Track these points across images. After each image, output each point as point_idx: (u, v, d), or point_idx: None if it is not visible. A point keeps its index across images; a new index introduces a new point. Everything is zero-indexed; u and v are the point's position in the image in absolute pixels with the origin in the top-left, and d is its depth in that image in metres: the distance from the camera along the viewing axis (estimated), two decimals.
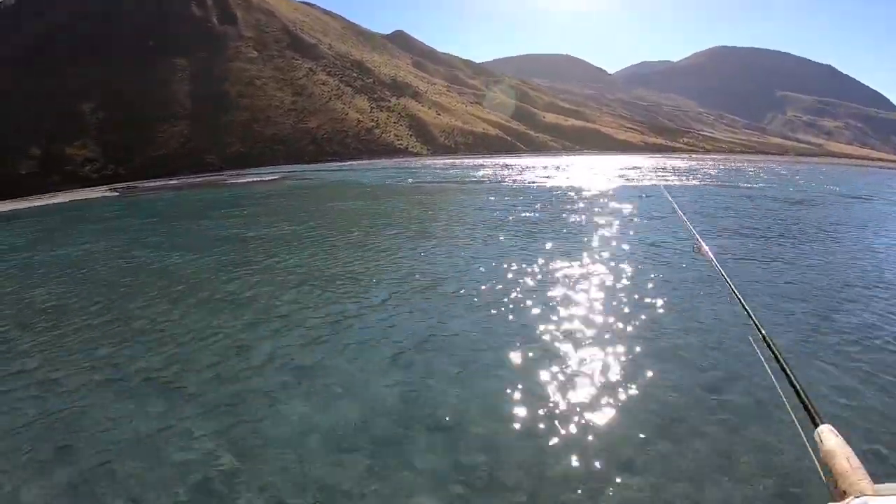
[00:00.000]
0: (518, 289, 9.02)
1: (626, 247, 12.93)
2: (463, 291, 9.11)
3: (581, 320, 7.72)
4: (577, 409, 5.36)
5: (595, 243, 13.37)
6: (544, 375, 6.05)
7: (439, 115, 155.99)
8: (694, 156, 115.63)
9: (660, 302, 8.51)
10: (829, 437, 0.97)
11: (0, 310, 9.77)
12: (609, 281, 9.77)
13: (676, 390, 5.67)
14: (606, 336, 7.09)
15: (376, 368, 6.24)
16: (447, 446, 4.67)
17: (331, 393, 5.71)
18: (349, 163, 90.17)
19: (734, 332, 6.94)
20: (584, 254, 11.98)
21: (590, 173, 43.26)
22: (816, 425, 1.04)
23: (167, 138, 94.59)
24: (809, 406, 1.10)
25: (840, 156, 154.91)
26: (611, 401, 5.49)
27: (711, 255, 2.29)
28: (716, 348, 6.69)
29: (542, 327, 7.42)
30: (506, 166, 57.92)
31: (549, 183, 32.32)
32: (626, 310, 8.16)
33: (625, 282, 9.83)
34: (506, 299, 8.48)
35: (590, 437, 4.90)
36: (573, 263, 11.01)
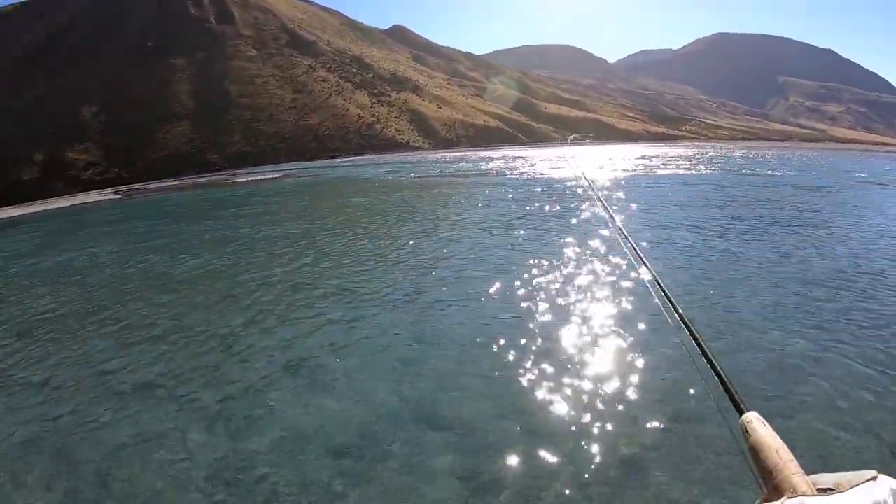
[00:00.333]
0: (530, 291, 8.73)
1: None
2: (469, 291, 8.91)
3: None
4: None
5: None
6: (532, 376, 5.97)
7: (440, 108, 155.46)
8: (696, 143, 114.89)
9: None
10: (756, 426, 0.93)
11: (3, 316, 9.70)
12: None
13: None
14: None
15: (378, 370, 6.22)
16: (449, 448, 4.64)
17: (333, 396, 5.68)
18: (351, 158, 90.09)
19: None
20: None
21: (591, 164, 42.74)
22: (741, 413, 0.99)
23: (169, 139, 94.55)
24: (734, 393, 1.05)
25: (844, 141, 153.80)
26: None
27: (633, 243, 2.17)
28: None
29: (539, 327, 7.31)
30: (515, 158, 57.50)
31: (558, 174, 31.90)
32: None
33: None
34: (519, 303, 8.23)
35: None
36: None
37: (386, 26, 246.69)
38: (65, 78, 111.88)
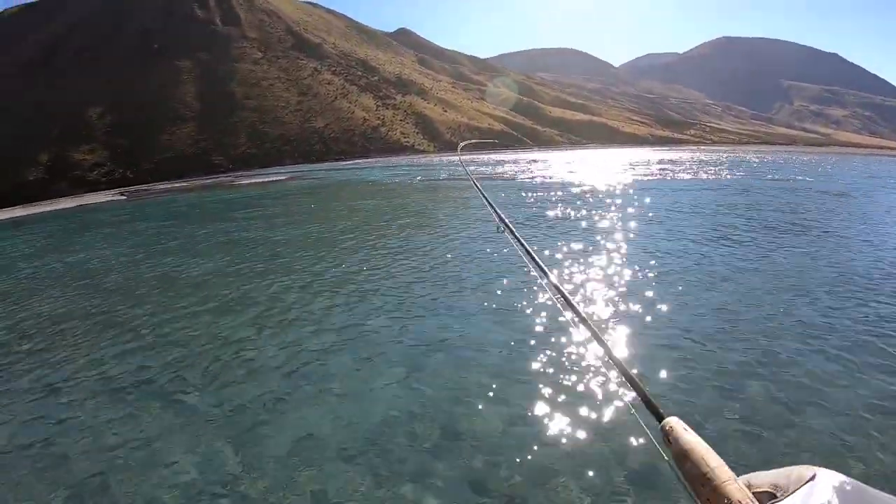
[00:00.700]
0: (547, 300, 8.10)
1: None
2: (480, 298, 8.58)
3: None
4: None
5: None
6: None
7: (445, 111, 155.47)
8: (702, 147, 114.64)
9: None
10: (679, 433, 0.87)
11: (10, 317, 9.52)
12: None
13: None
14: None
15: (388, 376, 6.07)
16: (459, 456, 4.52)
17: (341, 401, 5.58)
18: (356, 161, 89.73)
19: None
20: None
21: (595, 168, 42.33)
22: (661, 420, 0.93)
23: (174, 141, 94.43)
24: (651, 400, 0.99)
25: (849, 145, 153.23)
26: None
27: (520, 238, 2.20)
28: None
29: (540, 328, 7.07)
30: (531, 161, 57.18)
31: (572, 178, 31.47)
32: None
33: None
34: (535, 312, 7.75)
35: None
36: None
37: (391, 29, 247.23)
38: (70, 79, 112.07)
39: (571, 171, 37.90)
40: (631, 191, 23.30)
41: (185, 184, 59.68)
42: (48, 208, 40.42)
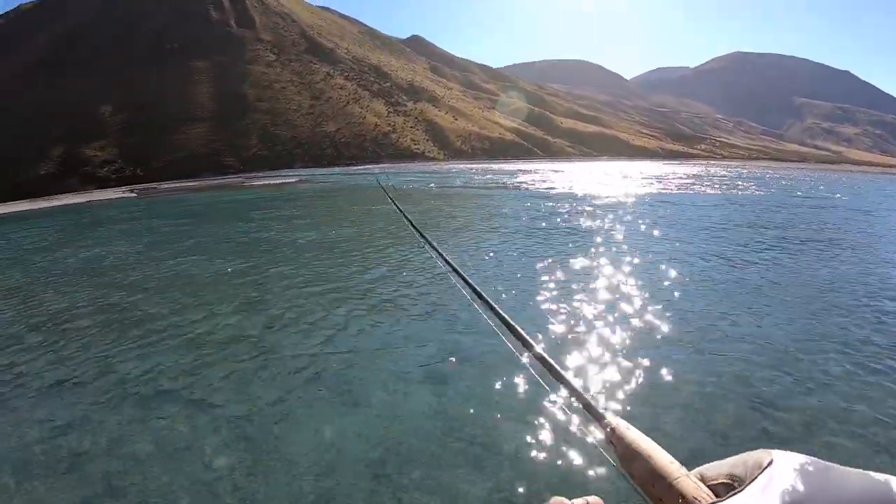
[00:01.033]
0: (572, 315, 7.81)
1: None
2: (511, 307, 8.02)
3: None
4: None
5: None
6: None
7: (456, 119, 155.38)
8: (712, 162, 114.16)
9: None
10: (623, 432, 0.83)
11: (23, 312, 9.25)
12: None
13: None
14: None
15: (411, 383, 5.90)
16: (483, 466, 4.39)
17: (363, 409, 5.39)
18: (367, 166, 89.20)
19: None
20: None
21: (623, 180, 41.71)
22: (605, 423, 0.89)
23: (186, 141, 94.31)
24: (593, 405, 0.95)
25: (860, 163, 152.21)
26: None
27: (443, 253, 2.24)
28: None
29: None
30: (548, 171, 56.71)
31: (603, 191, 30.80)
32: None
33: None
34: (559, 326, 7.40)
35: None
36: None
37: (404, 36, 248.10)
38: (84, 76, 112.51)
39: (601, 183, 37.22)
40: (649, 202, 22.59)
41: (195, 183, 59.35)
42: (57, 203, 40.00)
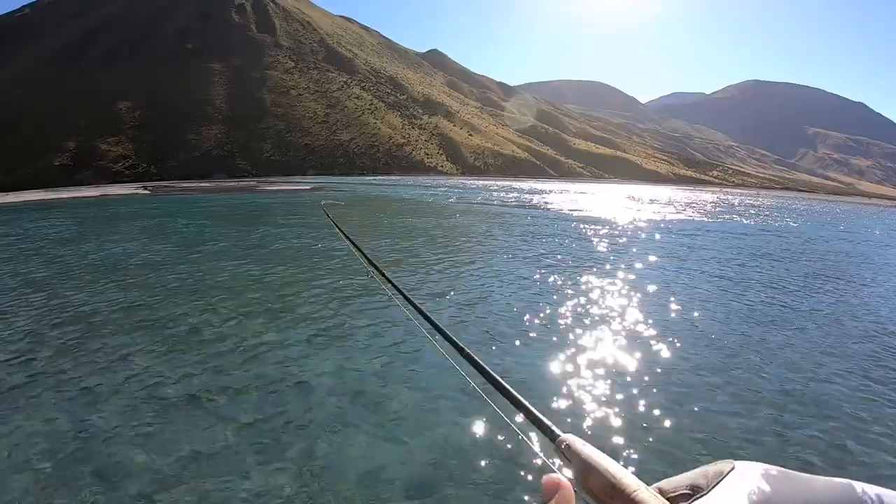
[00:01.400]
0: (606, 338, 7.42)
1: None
2: (546, 330, 7.75)
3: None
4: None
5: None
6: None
7: (470, 135, 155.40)
8: (727, 189, 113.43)
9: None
10: (576, 448, 0.80)
11: (43, 308, 8.68)
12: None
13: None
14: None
15: (449, 401, 5.56)
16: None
17: (400, 427, 5.10)
18: (379, 177, 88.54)
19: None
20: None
21: (656, 206, 40.88)
22: (555, 439, 0.86)
23: (201, 141, 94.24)
24: (543, 420, 0.93)
25: (872, 195, 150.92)
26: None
27: (385, 273, 2.33)
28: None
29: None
30: (556, 191, 56.00)
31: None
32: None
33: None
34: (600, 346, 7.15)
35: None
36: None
37: (423, 49, 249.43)
38: (104, 71, 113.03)
39: (627, 207, 36.32)
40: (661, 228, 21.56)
41: (208, 184, 58.80)
42: (73, 194, 39.38)
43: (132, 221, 21.97)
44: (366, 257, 2.53)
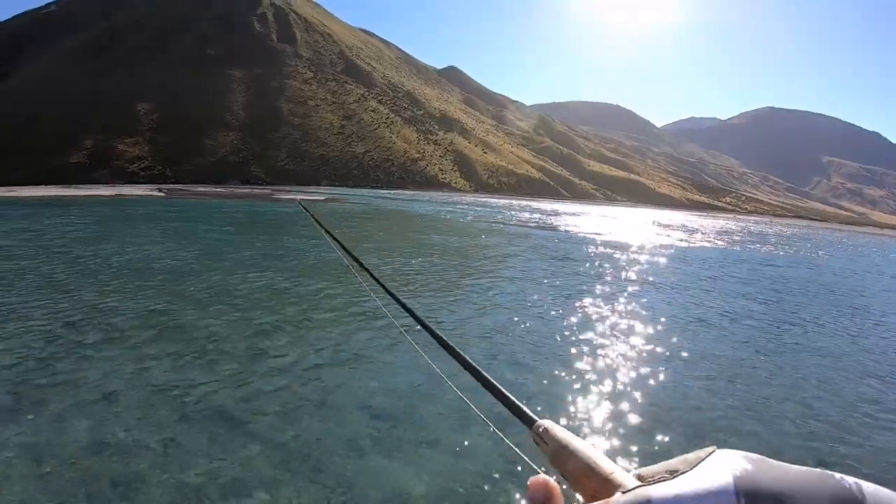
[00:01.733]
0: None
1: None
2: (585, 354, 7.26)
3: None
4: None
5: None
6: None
7: (485, 153, 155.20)
8: (741, 216, 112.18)
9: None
10: (553, 433, 0.77)
11: (61, 308, 8.35)
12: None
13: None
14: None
15: (472, 425, 5.34)
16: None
17: (426, 450, 4.91)
18: (394, 191, 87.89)
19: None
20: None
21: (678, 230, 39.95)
22: (532, 424, 0.83)
23: (217, 147, 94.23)
24: (518, 405, 0.89)
25: (885, 226, 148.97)
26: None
27: (368, 268, 2.34)
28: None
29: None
30: (575, 214, 55.11)
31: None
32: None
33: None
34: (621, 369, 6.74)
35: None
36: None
37: (441, 66, 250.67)
38: (124, 72, 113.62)
39: (658, 234, 35.37)
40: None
41: (222, 190, 58.32)
42: (85, 192, 38.89)
43: (150, 224, 21.69)
44: (349, 253, 2.45)
